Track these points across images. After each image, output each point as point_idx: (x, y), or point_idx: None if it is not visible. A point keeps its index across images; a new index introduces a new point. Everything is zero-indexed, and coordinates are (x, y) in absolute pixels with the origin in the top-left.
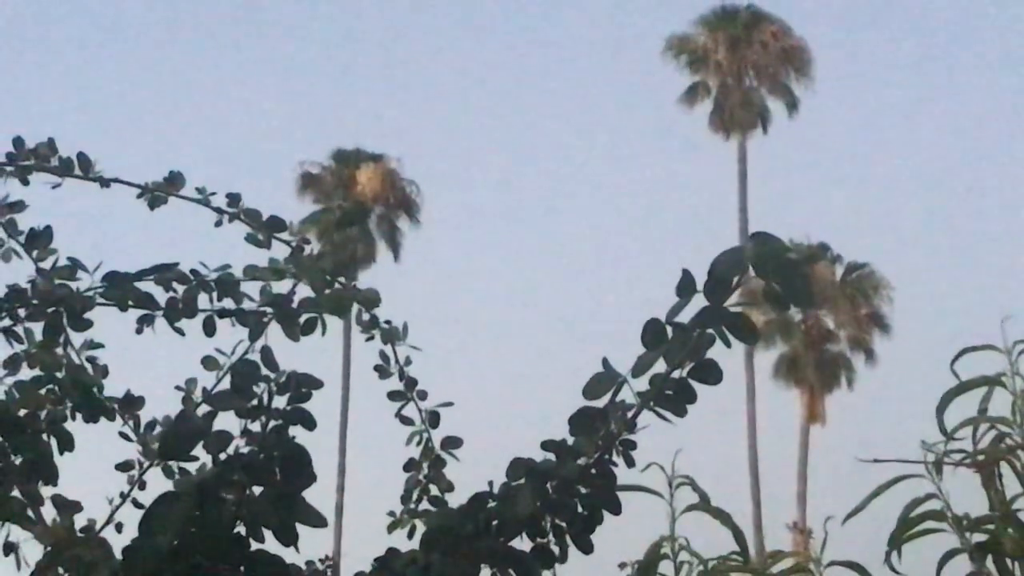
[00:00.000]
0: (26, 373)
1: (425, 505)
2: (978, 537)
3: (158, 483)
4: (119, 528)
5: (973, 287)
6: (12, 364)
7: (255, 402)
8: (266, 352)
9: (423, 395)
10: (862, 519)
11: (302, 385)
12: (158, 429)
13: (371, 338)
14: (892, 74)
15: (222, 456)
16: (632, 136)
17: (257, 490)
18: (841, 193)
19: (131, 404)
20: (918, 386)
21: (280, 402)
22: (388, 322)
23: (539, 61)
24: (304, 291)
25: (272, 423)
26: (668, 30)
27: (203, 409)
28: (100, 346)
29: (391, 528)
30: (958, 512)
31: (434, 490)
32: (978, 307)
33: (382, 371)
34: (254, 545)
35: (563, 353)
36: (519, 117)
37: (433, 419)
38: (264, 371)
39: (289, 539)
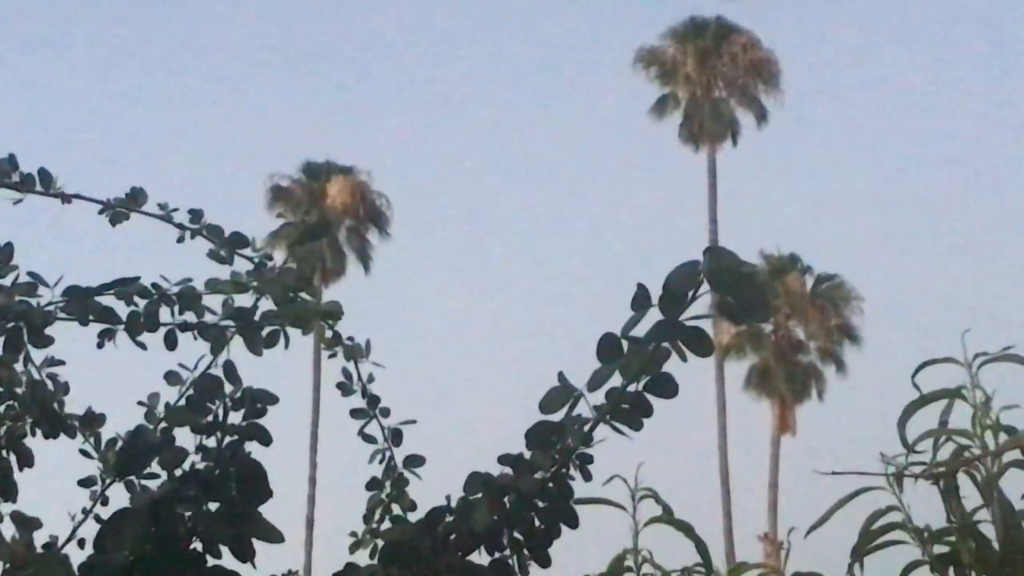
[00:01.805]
0: None
1: (388, 524)
2: (939, 549)
3: (121, 499)
4: (81, 544)
5: (942, 298)
6: None
7: (211, 418)
8: (228, 366)
9: (386, 413)
10: (832, 530)
11: (258, 401)
12: (119, 445)
13: (334, 355)
14: (861, 84)
15: (178, 472)
16: (602, 148)
17: (213, 506)
18: (811, 204)
19: (92, 421)
20: (888, 396)
21: (236, 418)
22: (351, 339)
23: (508, 74)
24: (267, 305)
25: (228, 439)
26: (638, 43)
27: (162, 425)
28: (61, 363)
29: (353, 548)
30: (919, 524)
31: (397, 509)
32: (947, 318)
33: (344, 388)
34: (211, 561)
35: (532, 365)
36: (488, 131)
37: (396, 437)
38: (227, 385)
39: (245, 555)
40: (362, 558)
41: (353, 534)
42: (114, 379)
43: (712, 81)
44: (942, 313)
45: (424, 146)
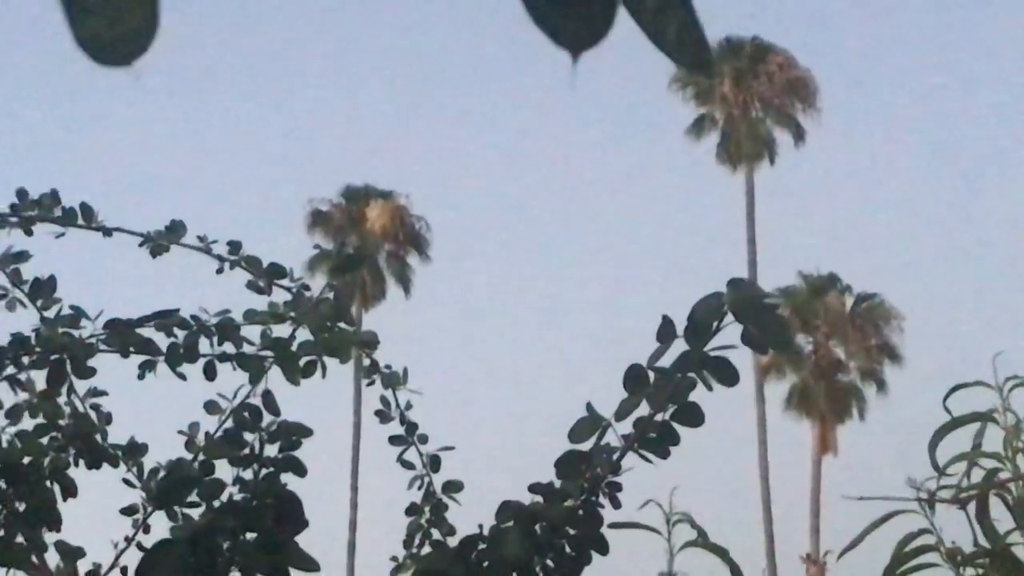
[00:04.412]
0: (28, 422)
1: (428, 549)
2: (971, 572)
3: (162, 527)
4: (124, 572)
5: (983, 316)
6: (14, 414)
7: (247, 450)
8: (267, 396)
9: (424, 439)
10: (874, 551)
11: (293, 434)
12: (160, 477)
13: (372, 383)
14: (899, 103)
15: (216, 503)
16: (639, 169)
17: (251, 536)
18: (850, 223)
19: (135, 451)
20: (930, 416)
21: (272, 450)
22: (388, 367)
23: (545, 97)
24: (304, 334)
25: (264, 471)
26: (674, 64)
27: (201, 457)
28: (104, 393)
29: (394, 573)
30: (952, 547)
31: (436, 534)
32: (990, 336)
33: (383, 416)
34: None
35: (571, 386)
36: (527, 153)
37: (434, 463)
38: (265, 414)
39: None
40: None
41: (394, 559)
42: (155, 409)
43: (749, 101)
44: (984, 331)
45: (464, 169)
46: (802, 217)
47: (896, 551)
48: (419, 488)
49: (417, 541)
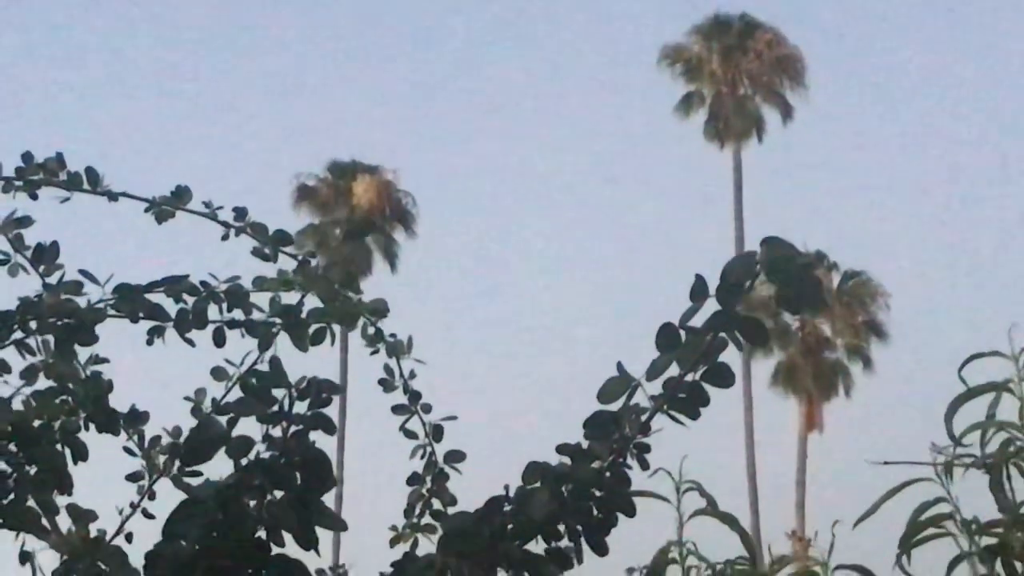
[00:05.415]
0: (41, 384)
1: (428, 519)
2: (987, 540)
3: (167, 493)
4: (129, 538)
5: (970, 294)
6: (29, 374)
7: (276, 408)
8: (275, 362)
9: (427, 408)
10: (864, 523)
11: (323, 391)
12: (165, 441)
13: (376, 352)
14: (887, 81)
15: (243, 461)
16: (627, 147)
17: (278, 494)
18: (837, 201)
19: (135, 419)
20: (916, 393)
21: (300, 407)
22: (393, 335)
23: (533, 72)
24: (312, 302)
25: (293, 428)
26: (662, 40)
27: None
28: (104, 360)
29: (393, 542)
30: (967, 516)
31: (437, 504)
32: (975, 314)
33: (386, 385)
34: (275, 549)
35: (555, 363)
36: (514, 128)
37: (436, 433)
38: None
39: (309, 542)
40: (401, 552)
41: (393, 528)
42: (156, 372)
43: (737, 78)
44: (970, 309)
45: (450, 144)
46: (789, 195)
47: (912, 519)
48: (421, 458)
49: (418, 511)
